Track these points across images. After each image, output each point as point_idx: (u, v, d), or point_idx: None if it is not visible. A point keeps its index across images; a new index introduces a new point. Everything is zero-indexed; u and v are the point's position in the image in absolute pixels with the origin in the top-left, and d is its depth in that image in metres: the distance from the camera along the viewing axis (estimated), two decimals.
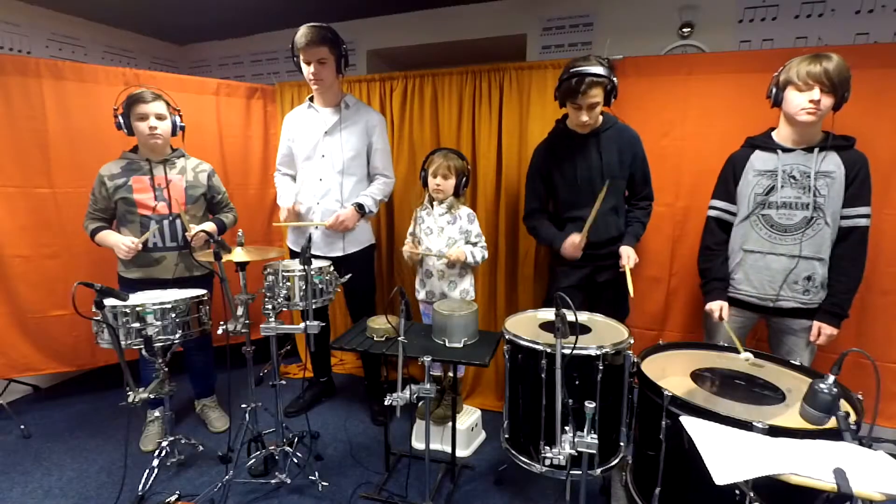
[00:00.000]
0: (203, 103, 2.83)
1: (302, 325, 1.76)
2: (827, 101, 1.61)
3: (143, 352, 1.74)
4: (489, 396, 2.68)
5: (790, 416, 1.24)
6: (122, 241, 2.04)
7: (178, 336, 1.79)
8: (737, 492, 1.18)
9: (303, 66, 2.19)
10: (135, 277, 2.14)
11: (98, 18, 3.77)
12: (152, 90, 2.09)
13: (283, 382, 1.99)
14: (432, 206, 2.23)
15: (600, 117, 2.01)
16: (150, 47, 4.28)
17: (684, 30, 2.93)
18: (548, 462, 1.54)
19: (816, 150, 1.69)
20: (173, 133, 2.16)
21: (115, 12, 3.63)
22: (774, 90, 1.72)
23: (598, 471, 1.59)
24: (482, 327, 1.95)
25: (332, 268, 2.06)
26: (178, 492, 1.90)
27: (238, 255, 1.80)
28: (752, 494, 1.11)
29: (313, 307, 1.85)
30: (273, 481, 1.93)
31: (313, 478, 1.94)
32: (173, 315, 1.78)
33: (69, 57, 3.62)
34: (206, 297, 1.93)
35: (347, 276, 2.11)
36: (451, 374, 2.14)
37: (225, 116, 2.92)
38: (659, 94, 2.25)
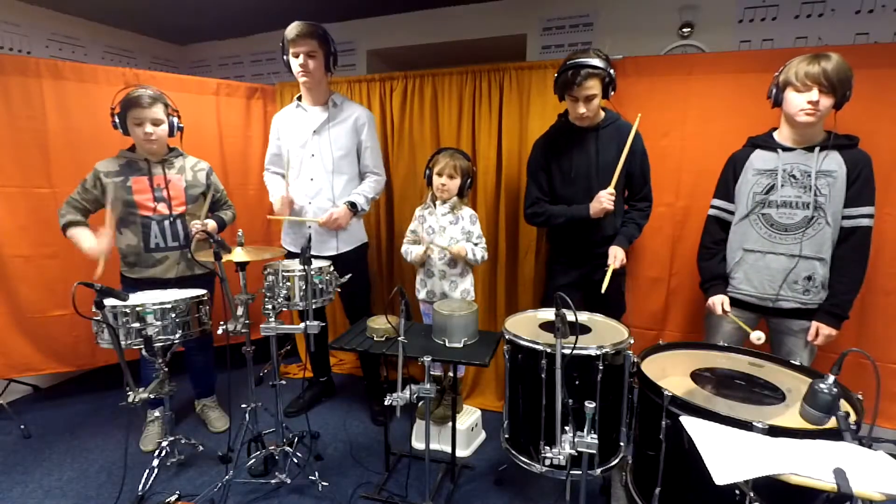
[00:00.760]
0: (203, 103, 2.83)
1: (302, 325, 1.76)
2: (826, 102, 1.61)
3: (143, 352, 1.74)
4: (489, 396, 2.68)
5: (790, 416, 1.24)
6: (90, 243, 1.97)
7: (178, 336, 1.79)
8: (737, 492, 1.18)
9: (291, 60, 2.19)
10: (137, 277, 2.14)
11: (98, 18, 3.77)
12: (150, 92, 2.06)
13: (283, 382, 1.99)
14: (435, 206, 2.23)
15: (602, 113, 2.01)
16: (150, 47, 4.28)
17: (684, 30, 2.93)
18: (548, 462, 1.54)
19: (817, 149, 1.68)
20: (171, 135, 2.15)
21: (115, 12, 3.64)
22: (774, 90, 1.72)
23: (598, 471, 1.59)
24: (482, 327, 1.95)
25: (332, 268, 2.06)
26: (178, 492, 1.90)
27: (238, 255, 1.80)
28: (752, 494, 1.11)
29: (313, 307, 1.85)
30: (273, 481, 1.93)
31: (313, 478, 1.94)
32: (173, 315, 1.77)
33: (69, 57, 3.62)
34: (206, 297, 1.92)
35: (347, 277, 2.11)
36: (451, 374, 2.13)
37: (225, 116, 2.92)
38: (659, 94, 2.25)
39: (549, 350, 1.52)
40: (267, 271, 1.96)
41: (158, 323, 1.75)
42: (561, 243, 2.16)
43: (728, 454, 0.99)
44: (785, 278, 1.74)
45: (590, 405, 1.28)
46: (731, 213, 1.87)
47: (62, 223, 2.06)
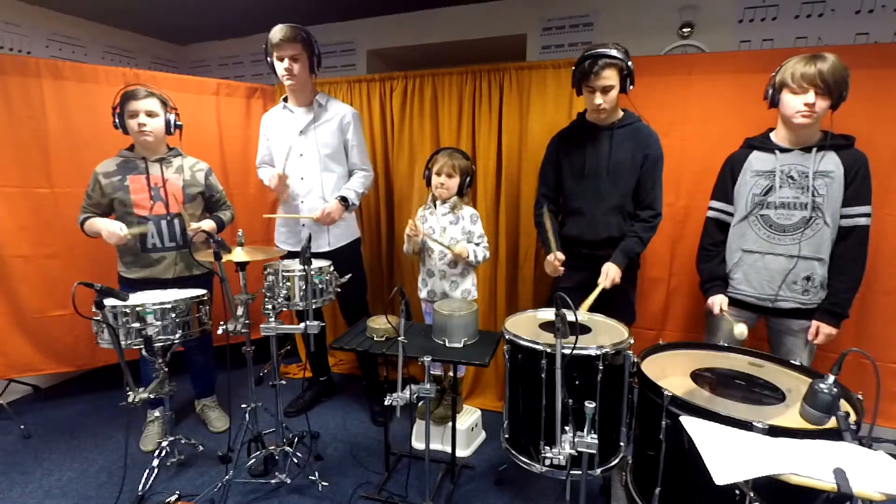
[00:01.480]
0: (203, 103, 2.83)
1: (301, 325, 1.76)
2: (822, 104, 1.60)
3: (143, 352, 1.74)
4: (489, 396, 2.68)
5: (790, 416, 1.24)
6: (109, 226, 1.99)
7: (178, 336, 1.79)
8: (737, 492, 1.18)
9: (276, 63, 2.22)
10: (135, 277, 2.14)
11: (98, 18, 3.76)
12: (147, 88, 2.08)
13: (283, 382, 1.99)
14: (435, 206, 2.23)
15: (620, 112, 1.99)
16: (150, 47, 4.28)
17: (684, 30, 2.94)
18: (548, 462, 1.54)
19: (814, 150, 1.68)
20: (168, 132, 2.15)
21: (115, 12, 3.63)
22: (771, 91, 1.72)
23: (598, 471, 1.59)
24: (482, 327, 1.95)
25: (332, 268, 2.06)
26: (178, 492, 1.90)
27: (238, 255, 1.80)
28: (752, 494, 1.11)
29: (313, 307, 1.85)
30: (273, 481, 1.93)
31: (313, 478, 1.94)
32: (173, 315, 1.77)
33: (69, 57, 3.62)
34: (206, 297, 1.92)
35: (347, 276, 2.11)
36: (451, 374, 2.13)
37: (225, 116, 2.92)
38: (659, 94, 2.25)
39: (549, 350, 1.52)
40: (267, 271, 1.96)
41: (158, 323, 1.75)
42: (567, 243, 2.11)
43: (728, 454, 0.99)
44: (784, 279, 1.74)
45: (590, 405, 1.28)
46: (730, 214, 1.87)
47: (79, 223, 2.10)
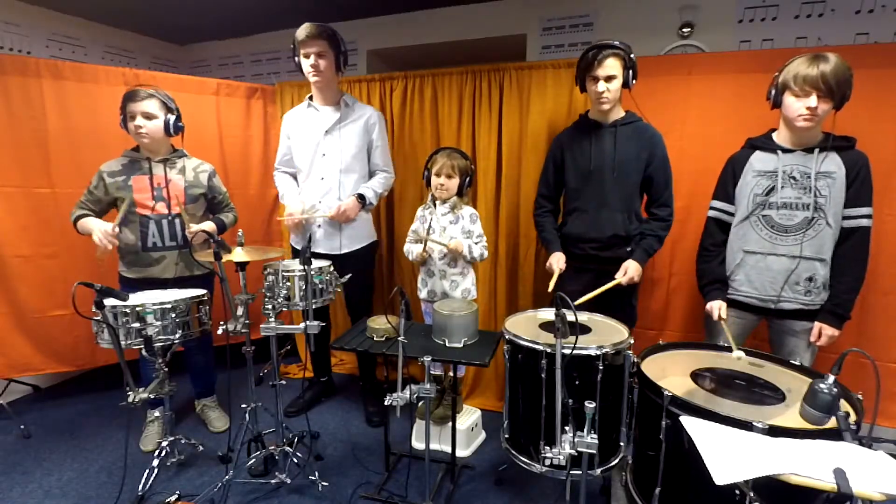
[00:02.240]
0: (203, 103, 2.83)
1: (302, 325, 1.76)
2: (825, 107, 1.60)
3: (143, 352, 1.74)
4: (489, 396, 2.68)
5: (790, 416, 1.24)
6: (99, 226, 1.97)
7: (178, 336, 1.79)
8: (737, 492, 1.18)
9: (302, 60, 2.21)
10: (135, 277, 2.14)
11: (98, 18, 3.77)
12: (148, 89, 2.08)
13: (283, 382, 1.99)
14: (435, 206, 2.23)
15: (622, 111, 2.00)
16: (150, 47, 4.29)
17: (684, 30, 2.94)
18: (548, 462, 1.54)
19: (816, 150, 1.68)
20: (168, 133, 2.13)
21: (115, 12, 3.64)
22: (773, 92, 1.71)
23: (598, 471, 1.59)
24: (482, 327, 1.94)
25: (332, 268, 2.06)
26: (178, 492, 1.90)
27: (238, 255, 1.80)
28: (752, 494, 1.11)
29: (313, 307, 1.85)
30: (273, 481, 1.93)
31: (313, 478, 1.94)
32: (173, 315, 1.77)
33: (69, 57, 3.62)
34: (206, 297, 1.92)
35: (347, 277, 2.11)
36: (451, 374, 2.13)
37: (225, 116, 2.92)
38: (659, 94, 2.25)
39: (549, 350, 1.52)
40: (267, 271, 1.96)
41: (158, 323, 1.75)
42: (568, 242, 2.11)
43: (728, 454, 0.99)
44: (786, 279, 1.74)
45: (590, 405, 1.28)
46: (731, 214, 1.87)
47: (72, 220, 2.09)
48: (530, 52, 3.39)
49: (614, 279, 1.94)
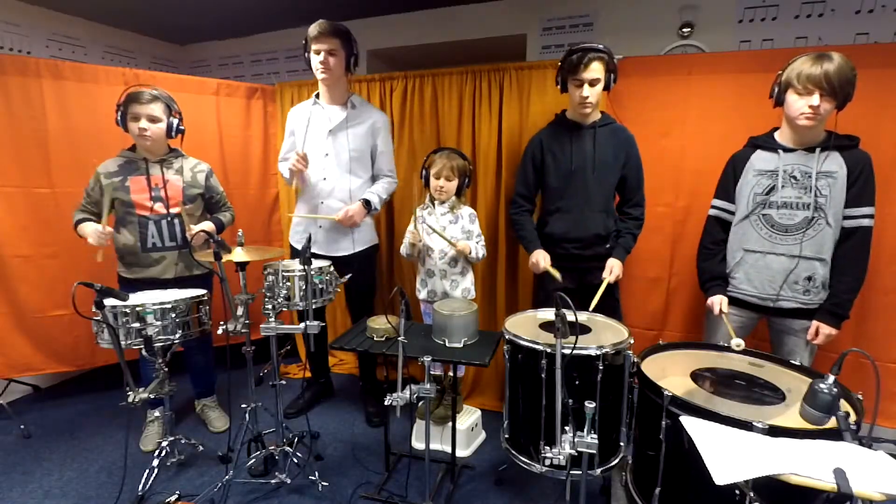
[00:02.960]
0: (203, 103, 2.83)
1: (302, 325, 1.76)
2: (827, 106, 1.60)
3: (143, 352, 1.74)
4: (489, 396, 2.68)
5: (790, 416, 1.24)
6: (95, 229, 1.99)
7: (178, 336, 1.79)
8: (737, 492, 1.18)
9: (312, 56, 2.19)
10: (134, 277, 2.14)
11: (98, 18, 3.77)
12: (154, 92, 2.08)
13: (283, 382, 1.99)
14: (434, 206, 2.23)
15: (599, 113, 2.02)
16: (150, 47, 4.28)
17: (684, 30, 2.94)
18: (548, 462, 1.54)
19: (818, 150, 1.68)
20: (170, 135, 2.14)
21: (115, 12, 3.64)
22: (776, 90, 1.71)
23: (598, 471, 1.59)
24: (482, 327, 1.95)
25: (331, 268, 2.06)
26: (178, 492, 1.90)
27: (238, 255, 1.80)
28: (752, 494, 1.11)
29: (313, 307, 1.85)
30: (273, 481, 1.93)
31: (313, 478, 1.94)
32: (173, 315, 1.78)
33: (69, 57, 3.62)
34: (206, 297, 1.92)
35: (347, 277, 2.11)
36: (451, 374, 2.13)
37: (225, 116, 2.92)
38: (659, 94, 2.25)
39: (549, 350, 1.52)
40: (267, 271, 1.96)
41: (158, 323, 1.75)
42: (550, 242, 2.11)
43: (728, 454, 0.99)
44: (785, 279, 1.74)
45: (590, 405, 1.28)
46: (732, 213, 1.87)
47: (73, 223, 2.09)
48: (530, 52, 3.39)
49: (603, 279, 1.97)
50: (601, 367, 1.51)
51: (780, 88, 1.69)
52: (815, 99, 1.59)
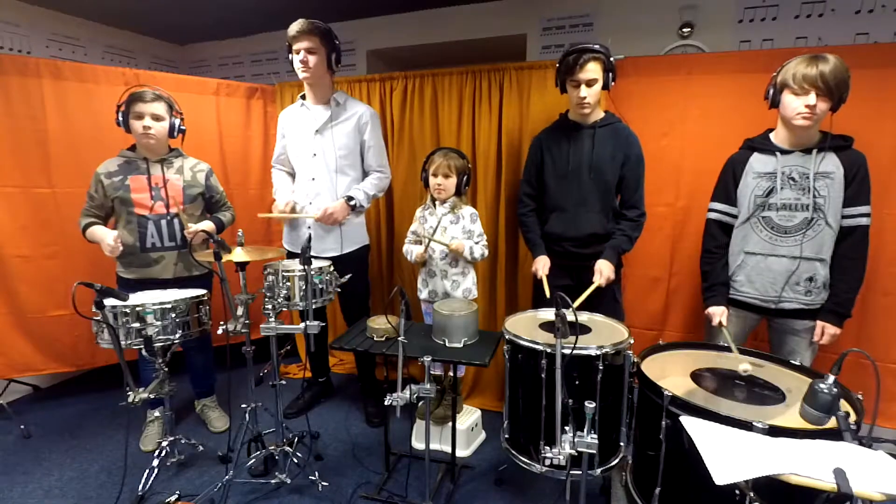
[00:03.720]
0: (203, 103, 2.83)
1: (302, 325, 1.76)
2: (823, 106, 1.60)
3: (143, 352, 1.74)
4: (489, 396, 2.68)
5: (790, 416, 1.24)
6: (107, 237, 1.98)
7: (177, 336, 1.79)
8: (737, 492, 1.18)
9: (293, 57, 2.18)
10: (133, 278, 2.14)
11: (98, 18, 3.77)
12: (156, 90, 2.08)
13: (283, 382, 1.99)
14: (435, 206, 2.23)
15: (601, 112, 2.02)
16: (150, 47, 4.28)
17: (684, 30, 2.94)
18: (548, 462, 1.54)
19: (815, 151, 1.68)
20: (172, 135, 2.15)
21: (115, 12, 3.64)
22: (772, 92, 1.71)
23: (598, 471, 1.59)
24: (482, 327, 1.95)
25: (332, 268, 2.06)
26: (178, 492, 1.90)
27: (238, 255, 1.80)
28: (752, 494, 1.11)
29: (313, 307, 1.85)
30: (273, 481, 1.93)
31: (313, 478, 1.94)
32: (173, 315, 1.78)
33: (69, 57, 3.62)
34: (206, 297, 1.93)
35: (347, 277, 2.11)
36: (451, 374, 2.13)
37: (225, 116, 2.92)
38: (659, 94, 2.25)
39: (549, 350, 1.52)
40: (267, 271, 1.96)
41: (158, 323, 1.75)
42: (550, 240, 2.13)
43: (728, 454, 0.99)
44: (787, 280, 1.75)
45: (590, 405, 1.28)
46: (733, 216, 1.86)
47: (81, 228, 2.09)
48: (530, 52, 3.39)
49: (593, 283, 1.94)
50: (601, 367, 1.51)
51: (776, 90, 1.70)
52: (811, 98, 1.59)
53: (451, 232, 2.19)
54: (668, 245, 2.35)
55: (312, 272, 1.91)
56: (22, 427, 2.38)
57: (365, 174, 2.40)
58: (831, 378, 1.05)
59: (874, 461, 0.92)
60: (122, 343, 1.68)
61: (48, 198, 2.47)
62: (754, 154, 1.81)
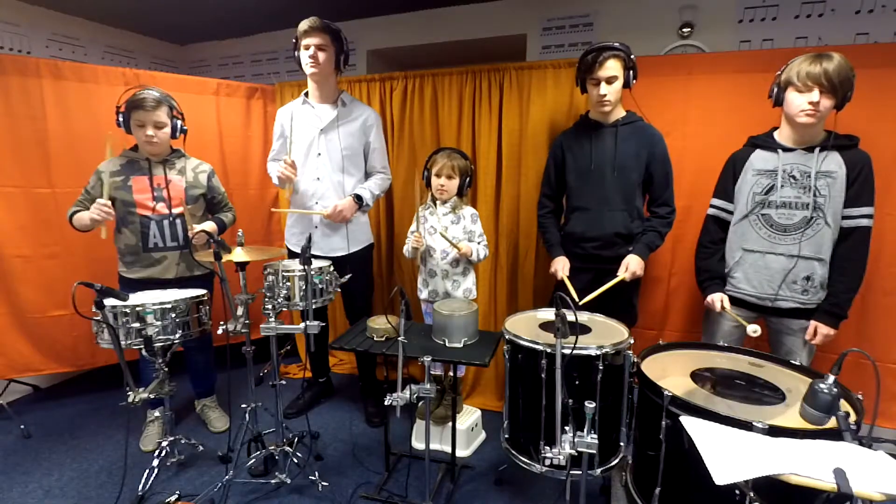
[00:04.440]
0: (203, 103, 2.83)
1: (302, 325, 1.76)
2: (827, 103, 1.60)
3: (143, 352, 1.74)
4: (489, 396, 2.68)
5: (790, 416, 1.24)
6: (93, 208, 1.93)
7: (178, 336, 1.79)
8: (737, 492, 1.18)
9: (301, 52, 2.18)
10: (135, 277, 2.14)
11: (98, 18, 3.77)
12: (155, 95, 2.06)
13: (283, 382, 1.99)
14: (436, 206, 2.23)
15: (623, 111, 2.01)
16: (150, 47, 4.28)
17: (684, 30, 2.93)
18: (548, 462, 1.54)
19: (817, 149, 1.68)
20: (174, 137, 2.15)
21: (115, 12, 3.64)
22: (776, 90, 1.72)
23: (598, 471, 1.59)
24: (482, 327, 1.94)
25: (332, 268, 2.06)
26: (178, 492, 1.90)
27: (238, 255, 1.80)
28: (752, 494, 1.11)
29: (313, 307, 1.85)
30: (273, 481, 1.93)
31: (313, 478, 1.94)
32: (173, 315, 1.78)
33: (69, 57, 3.62)
34: (206, 297, 1.93)
35: (347, 277, 2.11)
36: (451, 374, 2.13)
37: (225, 116, 2.92)
38: (659, 94, 2.25)
39: (549, 350, 1.52)
40: (267, 271, 1.96)
41: (158, 323, 1.75)
42: (570, 241, 2.12)
43: (728, 454, 0.99)
44: (784, 278, 1.74)
45: (590, 405, 1.28)
46: (731, 212, 1.87)
47: (68, 216, 2.08)
48: (530, 52, 3.38)
49: (617, 276, 1.94)
50: (601, 367, 1.51)
51: (780, 87, 1.70)
52: (814, 95, 1.59)
53: (451, 232, 2.19)
54: (668, 244, 2.34)
55: (312, 272, 1.91)
56: (22, 427, 2.38)
57: (366, 175, 2.41)
58: (831, 378, 1.05)
59: (874, 461, 0.92)
60: (122, 343, 1.68)
61: (48, 198, 2.47)
62: (756, 151, 1.81)
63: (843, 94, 1.60)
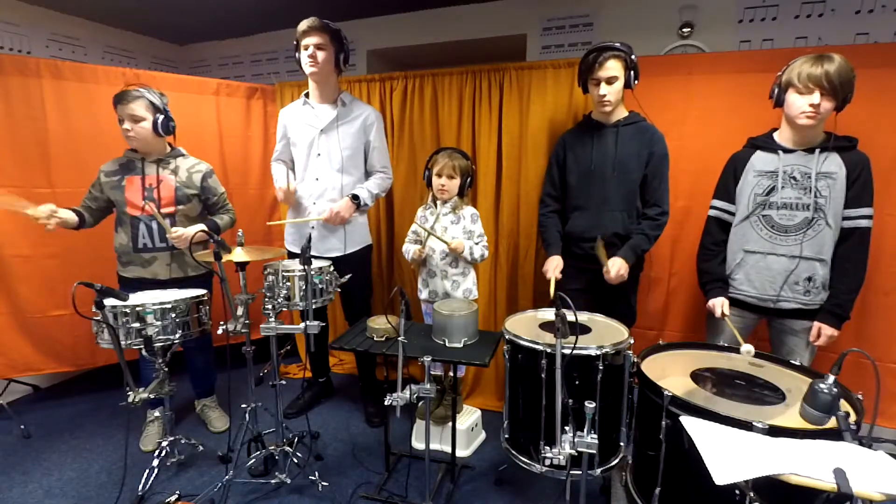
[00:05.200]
0: (203, 103, 2.83)
1: (302, 325, 1.76)
2: (827, 105, 1.60)
3: (143, 352, 1.74)
4: (489, 396, 2.68)
5: (790, 416, 1.24)
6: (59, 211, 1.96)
7: (178, 336, 1.79)
8: (737, 492, 1.18)
9: (301, 52, 2.18)
10: (132, 276, 2.14)
11: (98, 18, 3.77)
12: (136, 89, 2.03)
13: (283, 382, 1.99)
14: (436, 206, 2.23)
15: (625, 111, 2.01)
16: (150, 47, 4.28)
17: (684, 30, 2.93)
18: (548, 462, 1.54)
19: (817, 150, 1.68)
20: (158, 133, 2.08)
21: (115, 12, 3.64)
22: (776, 91, 1.71)
23: (598, 471, 1.59)
24: (482, 327, 1.94)
25: (332, 268, 2.06)
26: (178, 492, 1.90)
27: (238, 255, 1.79)
28: (752, 494, 1.11)
29: (313, 307, 1.85)
30: (273, 481, 1.93)
31: (313, 478, 1.94)
32: (173, 315, 1.77)
33: (69, 57, 3.62)
34: (206, 297, 1.92)
35: (347, 277, 2.11)
36: (451, 374, 2.13)
37: (225, 116, 2.92)
38: (659, 95, 2.25)
39: (549, 350, 1.52)
40: (267, 271, 1.96)
41: (158, 323, 1.75)
42: (569, 241, 2.12)
43: (728, 454, 0.99)
44: (786, 279, 1.74)
45: (590, 405, 1.28)
46: (732, 213, 1.87)
47: None
48: (530, 52, 3.38)
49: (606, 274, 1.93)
50: (601, 367, 1.51)
51: (781, 89, 1.69)
52: (815, 97, 1.59)
53: (451, 232, 2.19)
54: (668, 245, 2.35)
55: (312, 272, 1.90)
56: (22, 427, 2.38)
57: (366, 174, 2.40)
58: (831, 378, 1.05)
59: (874, 461, 0.92)
60: (122, 343, 1.68)
61: (48, 198, 2.44)
62: (757, 152, 1.81)
63: (843, 96, 1.60)
